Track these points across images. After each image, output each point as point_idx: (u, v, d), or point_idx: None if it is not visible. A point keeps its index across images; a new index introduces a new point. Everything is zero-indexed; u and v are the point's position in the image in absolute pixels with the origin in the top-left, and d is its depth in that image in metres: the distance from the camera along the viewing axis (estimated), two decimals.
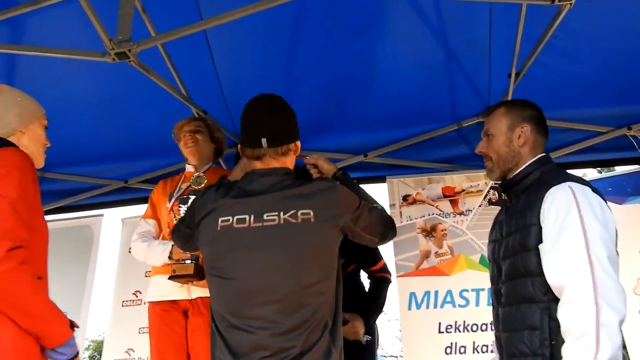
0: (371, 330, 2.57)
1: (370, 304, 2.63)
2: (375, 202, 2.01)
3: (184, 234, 1.95)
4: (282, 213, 1.69)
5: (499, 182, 1.96)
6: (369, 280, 2.72)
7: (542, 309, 1.65)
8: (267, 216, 1.70)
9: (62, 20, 2.82)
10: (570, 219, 1.62)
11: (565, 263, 1.59)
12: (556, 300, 1.63)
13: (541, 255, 1.67)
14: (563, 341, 1.57)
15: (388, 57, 3.20)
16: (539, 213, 1.69)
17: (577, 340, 1.52)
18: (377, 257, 2.70)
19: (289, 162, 1.87)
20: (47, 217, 2.16)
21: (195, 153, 2.72)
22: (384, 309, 2.67)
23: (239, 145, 1.89)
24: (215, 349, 1.75)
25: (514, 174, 1.88)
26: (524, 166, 1.86)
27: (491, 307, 1.94)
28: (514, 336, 1.71)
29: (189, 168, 2.77)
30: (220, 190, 1.83)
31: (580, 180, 1.74)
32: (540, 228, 1.68)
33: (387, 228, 1.94)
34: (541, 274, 1.66)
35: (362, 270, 2.72)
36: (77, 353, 1.66)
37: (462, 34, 3.03)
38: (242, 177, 1.87)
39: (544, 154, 1.90)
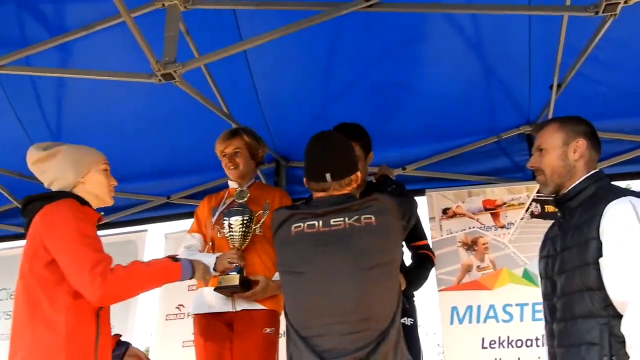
0: (412, 312, 2.51)
1: (413, 273, 2.53)
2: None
3: None
4: (347, 219, 1.94)
5: (552, 196, 1.95)
6: (411, 259, 2.63)
7: (601, 324, 1.63)
8: (333, 222, 1.95)
9: (105, 45, 2.93)
10: (632, 233, 1.61)
11: (628, 277, 1.57)
12: (617, 315, 1.60)
13: (601, 270, 1.65)
14: (626, 356, 1.54)
15: (425, 71, 3.21)
16: (599, 227, 1.67)
17: None
18: (422, 233, 2.68)
19: (351, 190, 2.09)
20: None
21: (236, 176, 2.77)
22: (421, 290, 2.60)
23: (304, 179, 2.10)
24: (290, 346, 1.95)
25: (568, 188, 1.87)
26: (578, 181, 1.85)
27: (538, 322, 1.92)
28: (571, 352, 1.69)
29: (232, 184, 2.81)
30: (291, 207, 2.11)
31: (639, 195, 1.72)
32: (600, 242, 1.66)
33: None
34: (601, 288, 1.64)
35: (405, 247, 2.65)
36: (193, 266, 2.09)
37: (501, 47, 3.02)
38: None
39: (597, 169, 1.89)
